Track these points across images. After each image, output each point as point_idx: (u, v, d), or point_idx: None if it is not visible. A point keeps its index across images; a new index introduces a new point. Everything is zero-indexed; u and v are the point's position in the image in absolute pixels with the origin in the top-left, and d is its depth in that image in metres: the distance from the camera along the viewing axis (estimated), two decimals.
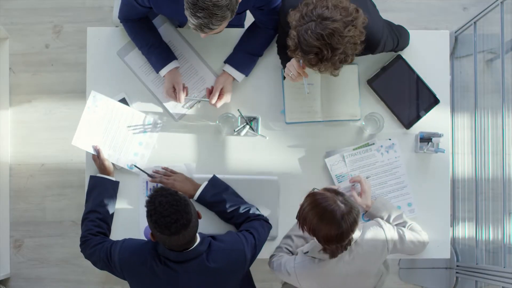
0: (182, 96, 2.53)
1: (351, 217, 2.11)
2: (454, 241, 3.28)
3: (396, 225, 2.48)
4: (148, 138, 2.59)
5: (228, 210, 2.46)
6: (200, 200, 2.49)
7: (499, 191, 2.87)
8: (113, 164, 2.56)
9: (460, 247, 3.28)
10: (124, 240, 2.33)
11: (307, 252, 2.30)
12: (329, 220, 2.09)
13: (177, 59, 2.56)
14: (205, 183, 2.50)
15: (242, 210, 2.46)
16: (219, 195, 2.48)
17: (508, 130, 2.83)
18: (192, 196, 2.49)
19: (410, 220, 2.52)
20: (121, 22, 2.55)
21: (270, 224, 2.49)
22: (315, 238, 2.16)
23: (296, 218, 2.20)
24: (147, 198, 2.13)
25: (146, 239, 2.52)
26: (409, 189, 2.61)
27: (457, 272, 3.27)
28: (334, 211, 2.09)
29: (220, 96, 2.55)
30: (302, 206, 2.17)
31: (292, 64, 2.37)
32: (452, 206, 3.24)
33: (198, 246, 2.20)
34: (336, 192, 2.16)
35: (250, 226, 2.40)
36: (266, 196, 2.56)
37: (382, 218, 2.49)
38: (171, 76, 2.54)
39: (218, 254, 2.25)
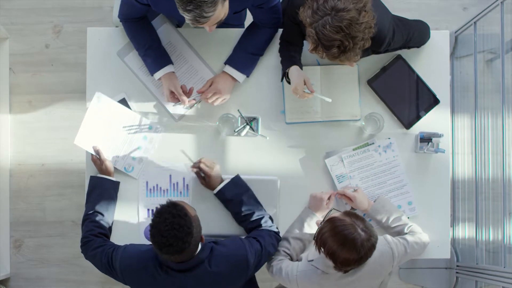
0: (185, 97, 2.52)
1: (370, 243, 2.12)
2: (454, 241, 3.28)
3: (395, 227, 2.48)
4: (148, 144, 2.59)
5: (243, 213, 2.45)
6: (219, 195, 2.48)
7: (499, 191, 2.86)
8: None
9: (460, 247, 3.28)
10: (126, 246, 2.32)
11: (312, 260, 2.29)
12: (350, 247, 2.09)
13: (173, 64, 2.56)
14: (227, 180, 2.49)
15: (256, 216, 2.44)
16: (239, 195, 2.46)
17: (508, 130, 2.83)
18: (213, 188, 2.49)
19: (410, 221, 2.51)
20: (120, 21, 2.55)
21: (279, 237, 2.47)
22: (331, 260, 2.15)
23: (314, 239, 2.20)
24: (157, 206, 2.13)
25: (146, 241, 2.52)
26: (409, 188, 2.61)
27: (457, 272, 3.27)
28: (356, 239, 2.09)
29: (212, 92, 2.54)
30: (321, 229, 2.16)
31: (301, 84, 2.38)
32: (452, 206, 3.24)
33: (199, 254, 2.20)
34: (356, 217, 2.15)
35: (258, 235, 2.38)
36: (266, 196, 2.55)
37: (381, 220, 2.49)
38: (167, 80, 2.53)
39: (219, 259, 2.25)
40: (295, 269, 2.31)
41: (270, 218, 2.48)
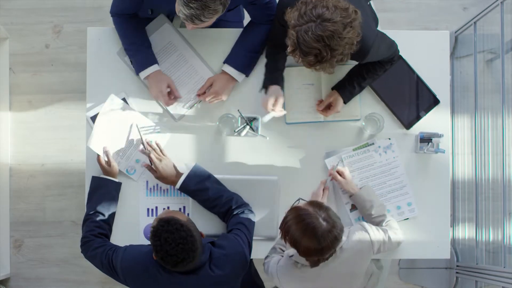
0: (169, 101, 2.53)
1: (332, 235, 2.12)
2: (454, 241, 3.29)
3: (375, 217, 2.48)
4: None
5: (211, 199, 2.45)
6: (182, 188, 2.48)
7: (499, 191, 2.87)
8: None
9: (460, 247, 3.28)
10: (126, 248, 2.32)
11: (292, 256, 2.30)
12: (310, 235, 2.10)
13: (158, 63, 2.53)
14: (188, 171, 2.48)
15: (225, 199, 2.45)
16: (202, 183, 2.46)
17: (508, 130, 2.83)
18: (174, 183, 2.48)
19: (390, 216, 2.52)
20: (112, 16, 2.52)
21: (253, 212, 2.49)
22: (295, 249, 2.17)
23: (279, 228, 2.21)
24: (151, 229, 2.13)
25: (146, 241, 2.52)
26: (408, 189, 2.60)
27: (457, 272, 3.27)
28: (316, 228, 2.10)
29: (211, 96, 2.54)
30: (285, 218, 2.18)
31: (268, 103, 2.46)
32: (452, 206, 3.24)
33: (200, 256, 2.20)
34: (320, 207, 2.16)
35: (238, 222, 2.39)
36: (266, 196, 2.56)
37: (363, 207, 2.49)
38: (157, 78, 2.51)
39: (220, 261, 2.26)
40: (276, 264, 2.33)
41: (238, 196, 2.50)
